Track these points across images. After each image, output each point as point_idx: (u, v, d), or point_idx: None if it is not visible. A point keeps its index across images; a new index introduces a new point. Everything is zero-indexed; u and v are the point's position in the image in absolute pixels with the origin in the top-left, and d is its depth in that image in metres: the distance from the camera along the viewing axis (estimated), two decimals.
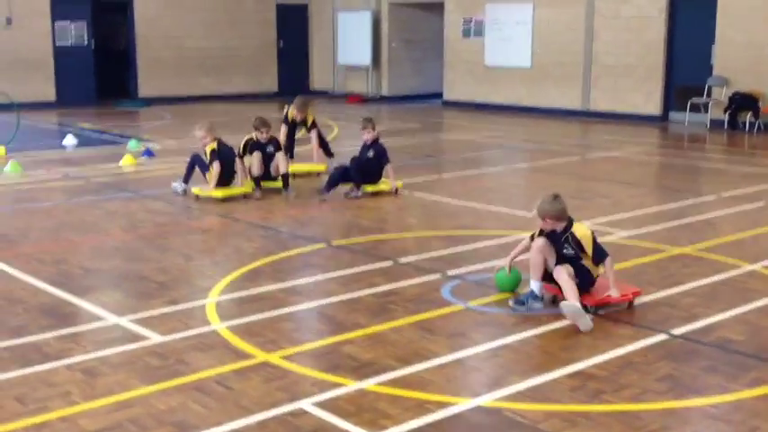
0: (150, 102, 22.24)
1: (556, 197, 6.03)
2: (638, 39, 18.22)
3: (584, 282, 5.78)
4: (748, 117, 16.29)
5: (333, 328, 5.54)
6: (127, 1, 22.51)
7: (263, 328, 5.55)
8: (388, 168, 9.93)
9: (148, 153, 13.18)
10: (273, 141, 10.12)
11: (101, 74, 22.49)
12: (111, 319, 5.72)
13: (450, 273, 6.74)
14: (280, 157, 9.93)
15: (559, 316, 5.64)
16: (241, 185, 9.93)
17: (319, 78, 25.97)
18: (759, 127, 16.28)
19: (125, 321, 5.67)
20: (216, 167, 9.66)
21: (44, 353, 5.10)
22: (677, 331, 5.42)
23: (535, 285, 5.86)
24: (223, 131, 16.86)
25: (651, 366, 4.86)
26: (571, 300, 5.49)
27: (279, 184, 10.00)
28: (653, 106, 18.24)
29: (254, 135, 10.06)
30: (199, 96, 23.42)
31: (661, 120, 18.11)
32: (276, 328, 5.53)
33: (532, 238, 6.12)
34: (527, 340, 5.27)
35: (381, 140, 10.12)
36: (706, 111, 17.23)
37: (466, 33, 21.68)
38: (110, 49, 23.36)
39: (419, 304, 5.99)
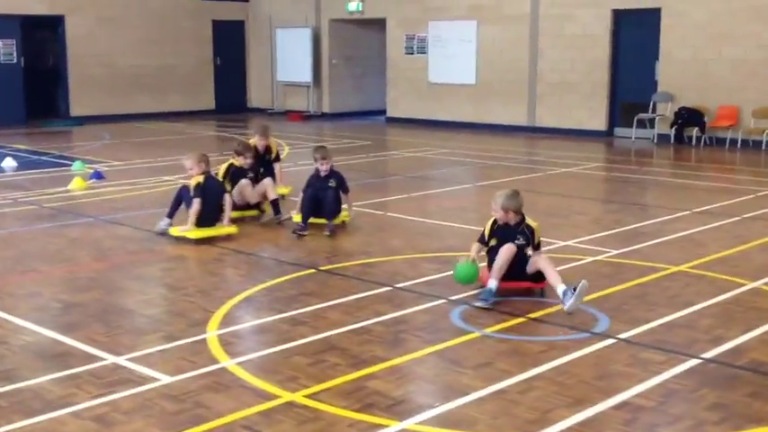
0: (83, 121, 21.50)
1: (516, 193, 6.70)
2: (582, 56, 18.39)
3: (524, 268, 6.52)
4: (695, 132, 16.54)
5: (351, 361, 5.24)
6: (58, 18, 21.75)
7: (277, 363, 5.22)
8: (347, 198, 9.12)
9: (98, 175, 12.62)
10: (254, 167, 9.69)
11: (30, 93, 21.65)
12: (108, 358, 5.30)
13: (453, 297, 6.50)
14: (268, 183, 9.48)
15: (583, 341, 5.47)
16: (226, 224, 8.70)
17: (257, 96, 25.58)
18: (705, 141, 16.56)
19: (124, 361, 5.26)
20: (196, 205, 8.49)
21: (46, 400, 4.67)
22: (707, 355, 5.28)
23: (494, 284, 6.33)
24: (159, 151, 16.49)
25: (695, 394, 4.70)
26: (556, 281, 6.26)
27: (253, 212, 9.56)
28: (598, 122, 18.42)
29: (236, 161, 9.55)
30: (134, 115, 22.78)
31: (606, 135, 18.29)
32: (291, 364, 5.20)
33: (481, 238, 6.76)
34: (559, 369, 5.06)
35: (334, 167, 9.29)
36: (652, 126, 17.46)
37: (409, 50, 21.60)
38: (39, 67, 22.51)
39: (433, 333, 5.74)
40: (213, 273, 7.37)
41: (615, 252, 7.92)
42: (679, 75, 17.01)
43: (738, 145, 16.18)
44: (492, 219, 6.72)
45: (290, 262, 7.69)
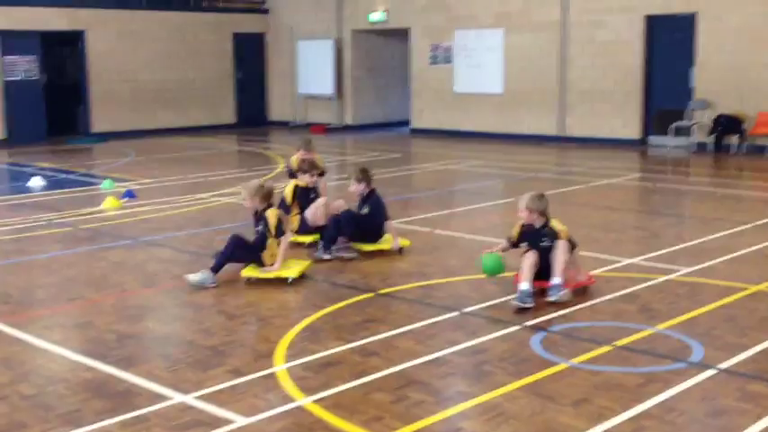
0: (104, 137, 21.24)
1: (541, 195, 6.95)
2: (614, 63, 18.03)
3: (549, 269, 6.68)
4: (735, 140, 16.14)
5: (435, 398, 4.87)
6: (78, 33, 21.52)
7: (357, 401, 4.86)
8: (389, 225, 8.50)
9: (130, 194, 12.30)
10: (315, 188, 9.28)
11: (50, 109, 21.40)
12: (175, 396, 4.96)
13: (529, 323, 6.14)
14: (322, 203, 9.07)
15: (681, 372, 5.11)
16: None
17: (278, 109, 25.29)
18: (745, 149, 16.15)
19: (192, 399, 4.92)
20: (287, 239, 7.56)
21: None
22: None
23: (526, 285, 6.50)
24: (187, 167, 16.18)
25: None
26: (557, 270, 6.57)
27: (308, 238, 8.84)
28: (631, 131, 18.03)
29: (300, 181, 9.12)
30: (155, 130, 22.53)
31: (640, 144, 17.91)
32: (372, 401, 4.85)
33: (509, 239, 7.09)
34: (665, 406, 4.69)
35: (377, 192, 8.62)
36: (688, 134, 17.06)
37: (433, 60, 21.27)
38: (60, 83, 22.27)
39: (516, 364, 5.37)
40: (268, 298, 7.02)
41: (687, 270, 7.53)
42: (716, 81, 16.62)
43: None
44: (520, 222, 7.02)
45: (346, 285, 7.34)
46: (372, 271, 7.84)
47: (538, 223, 6.87)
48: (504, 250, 7.12)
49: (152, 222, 10.41)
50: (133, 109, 22.53)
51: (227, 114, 24.58)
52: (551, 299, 6.53)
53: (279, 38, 24.78)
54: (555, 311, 6.39)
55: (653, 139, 17.90)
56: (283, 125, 24.60)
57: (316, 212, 8.94)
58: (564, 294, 6.55)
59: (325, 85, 23.48)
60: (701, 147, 16.70)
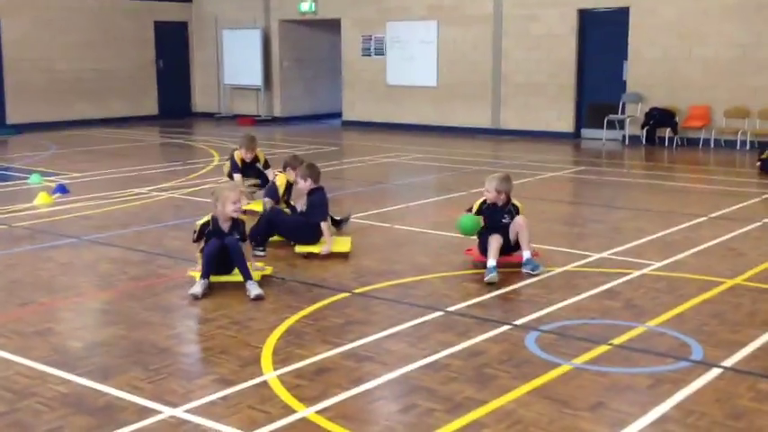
0: (19, 129, 20.28)
1: (509, 178, 7.52)
2: (548, 57, 18.10)
3: (509, 241, 7.31)
4: (667, 132, 16.39)
5: (445, 406, 4.63)
6: None
7: (363, 411, 4.59)
8: (323, 226, 8.01)
9: (62, 189, 11.67)
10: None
11: None
12: (163, 410, 4.59)
13: (518, 322, 5.96)
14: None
15: (687, 372, 5.01)
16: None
17: (202, 100, 24.65)
18: (677, 142, 16.42)
19: (183, 413, 4.56)
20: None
21: None
22: None
23: (493, 263, 7.02)
24: (117, 160, 15.51)
25: None
26: (525, 244, 7.25)
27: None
28: (565, 123, 18.15)
29: (290, 176, 8.96)
30: (73, 121, 21.66)
31: (574, 137, 18.04)
32: (379, 411, 4.59)
33: (470, 209, 7.51)
34: (683, 408, 4.56)
35: (323, 190, 8.29)
36: (622, 127, 17.26)
37: (366, 52, 21.01)
38: None
39: (518, 366, 5.18)
40: (239, 299, 6.66)
41: (659, 264, 7.48)
42: (648, 75, 16.85)
43: (712, 145, 16.08)
44: (482, 198, 7.48)
45: (318, 284, 7.04)
46: (341, 269, 7.55)
47: (500, 202, 7.40)
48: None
49: (93, 219, 9.86)
50: (49, 100, 21.61)
51: (149, 106, 23.82)
52: (532, 271, 7.12)
53: (202, 27, 24.13)
54: (539, 309, 6.23)
55: (586, 132, 18.06)
56: (208, 117, 23.99)
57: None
58: (542, 267, 7.17)
59: (253, 76, 22.96)
60: (634, 140, 16.90)
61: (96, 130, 20.87)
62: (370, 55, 20.99)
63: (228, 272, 6.92)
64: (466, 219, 7.42)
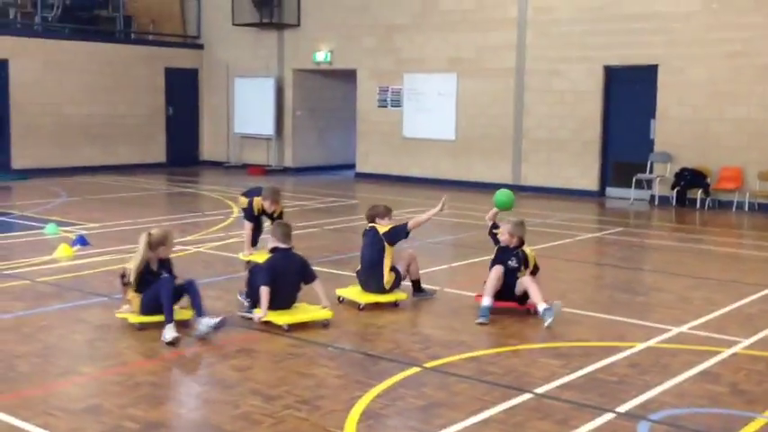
0: (26, 174, 19.71)
1: (522, 223, 7.95)
2: (572, 113, 17.73)
3: (513, 289, 7.64)
4: (699, 194, 15.96)
5: None
6: (1, 62, 20.01)
7: None
8: (314, 286, 7.43)
9: (82, 241, 11.08)
10: None
11: None
12: None
13: (621, 410, 5.38)
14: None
15: None
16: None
17: (210, 148, 24.18)
18: (708, 204, 15.99)
19: None
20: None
21: None
22: None
23: (488, 301, 7.45)
24: (133, 209, 14.96)
25: None
26: (538, 299, 7.40)
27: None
28: (589, 181, 17.73)
29: (383, 225, 8.28)
30: (80, 167, 21.10)
31: (598, 195, 17.60)
32: None
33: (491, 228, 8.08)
34: None
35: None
36: (649, 187, 16.84)
37: (382, 103, 20.62)
38: None
39: None
40: (301, 373, 6.06)
41: (747, 341, 6.94)
42: (677, 134, 16.48)
43: (745, 208, 15.64)
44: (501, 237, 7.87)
45: (383, 356, 6.46)
46: (405, 339, 6.98)
47: (512, 245, 7.79)
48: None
49: (114, 275, 9.24)
50: (57, 144, 21.06)
51: (157, 153, 23.30)
52: (547, 325, 7.25)
53: (213, 74, 23.75)
54: (639, 394, 5.66)
55: (611, 191, 17.63)
56: (216, 165, 23.49)
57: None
58: (553, 317, 7.31)
59: (264, 125, 22.52)
60: (663, 200, 16.47)
61: (103, 176, 20.32)
62: (386, 106, 20.60)
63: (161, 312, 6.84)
64: (500, 194, 8.09)
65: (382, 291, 7.95)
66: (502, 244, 7.85)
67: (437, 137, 19.70)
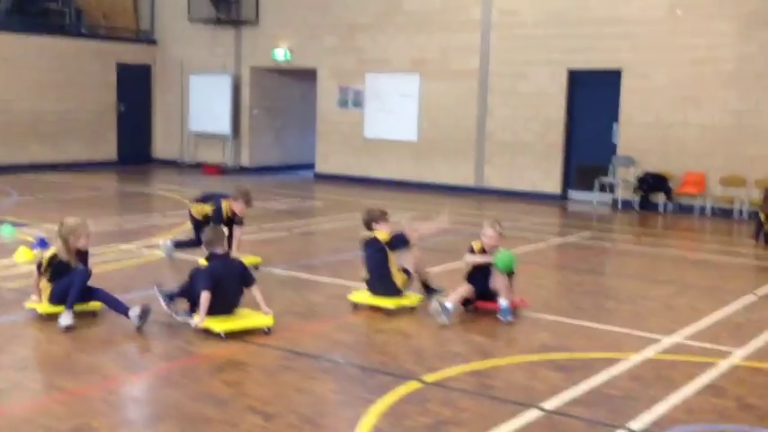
0: None
1: (499, 222, 7.98)
2: (536, 116, 17.69)
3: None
4: (661, 198, 16.02)
5: None
6: None
7: None
8: (253, 290, 7.19)
9: (43, 244, 10.58)
10: None
11: None
12: None
13: (634, 427, 5.23)
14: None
15: None
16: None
17: (163, 147, 23.63)
18: (670, 208, 16.06)
19: None
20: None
21: None
22: None
23: (451, 306, 7.48)
24: (91, 210, 14.43)
25: None
26: (505, 294, 7.60)
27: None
28: (552, 184, 17.70)
29: (381, 232, 8.07)
30: (28, 165, 20.42)
31: (560, 198, 17.59)
32: None
33: (471, 250, 7.86)
34: None
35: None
36: (611, 190, 16.88)
37: (342, 103, 20.35)
38: None
39: None
40: (298, 388, 5.79)
41: (743, 352, 6.86)
42: (640, 138, 16.54)
43: (708, 213, 15.75)
44: (480, 242, 7.84)
45: (379, 370, 6.22)
46: (397, 350, 6.76)
47: (495, 247, 7.79)
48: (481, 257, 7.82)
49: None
50: (4, 141, 20.35)
51: (108, 151, 22.69)
52: (504, 320, 7.50)
53: (167, 71, 23.21)
54: (645, 408, 5.52)
55: (573, 194, 17.63)
56: (168, 164, 22.96)
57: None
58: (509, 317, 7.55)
59: (220, 124, 22.08)
60: (626, 204, 16.51)
61: (53, 174, 19.70)
62: (347, 106, 20.34)
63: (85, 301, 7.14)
64: (504, 256, 7.68)
65: (396, 293, 7.86)
66: (486, 247, 7.79)
67: (399, 138, 19.51)
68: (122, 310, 7.01)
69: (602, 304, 8.48)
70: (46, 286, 7.17)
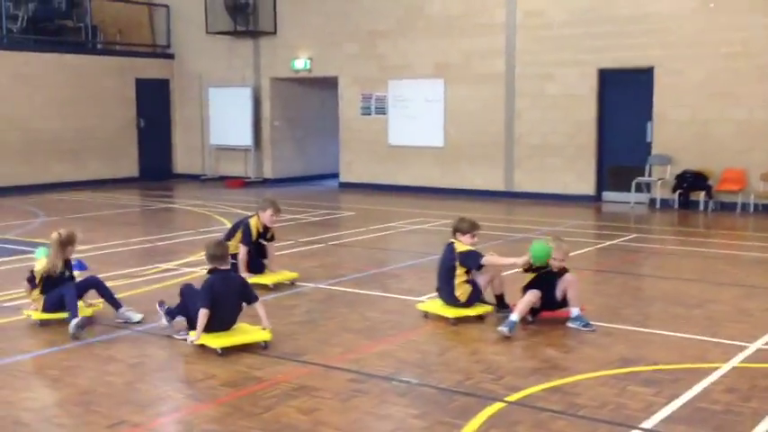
0: None
1: (560, 239, 7.66)
2: (565, 117, 17.36)
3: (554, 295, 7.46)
4: (702, 197, 15.66)
5: None
6: None
7: None
8: (256, 306, 6.99)
9: (81, 266, 10.22)
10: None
11: None
12: None
13: None
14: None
15: None
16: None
17: (184, 161, 23.40)
18: (711, 207, 15.70)
19: None
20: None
21: None
22: None
23: (517, 318, 7.17)
24: (122, 229, 14.19)
25: None
26: (575, 301, 7.40)
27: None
28: (585, 186, 17.37)
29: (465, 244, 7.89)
30: (50, 184, 20.21)
31: (594, 200, 17.25)
32: None
33: (528, 269, 7.53)
34: None
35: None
36: (648, 190, 16.52)
37: (365, 111, 20.06)
38: None
39: None
40: (376, 414, 5.47)
41: None
42: (676, 136, 16.19)
43: (751, 209, 15.38)
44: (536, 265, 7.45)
45: (455, 390, 5.90)
46: (469, 367, 6.43)
47: (557, 268, 7.43)
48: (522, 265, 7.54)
49: (133, 304, 8.55)
50: (26, 161, 20.13)
51: (129, 167, 22.48)
52: (583, 328, 7.25)
53: (185, 85, 22.99)
54: (753, 426, 5.18)
55: (608, 195, 17.28)
56: (191, 179, 22.72)
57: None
58: (593, 325, 7.27)
59: (241, 136, 21.82)
60: (664, 203, 16.16)
61: (75, 192, 19.48)
62: (369, 114, 20.05)
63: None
64: (538, 247, 7.34)
65: (455, 303, 7.61)
66: (553, 269, 7.45)
67: (425, 144, 19.21)
68: (117, 304, 7.74)
69: (670, 310, 8.13)
70: (39, 298, 7.65)
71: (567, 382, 6.05)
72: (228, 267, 7.14)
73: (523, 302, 7.29)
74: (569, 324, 7.36)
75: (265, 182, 21.64)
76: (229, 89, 21.83)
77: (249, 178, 21.71)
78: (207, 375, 6.27)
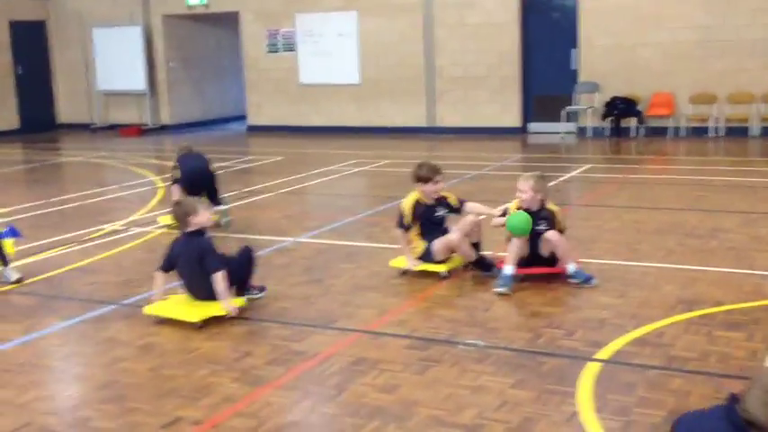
0: None
1: (543, 176, 6.76)
2: (488, 47, 16.82)
3: (538, 251, 6.56)
4: (634, 123, 15.53)
5: None
6: None
7: None
8: (212, 280, 5.95)
9: (14, 232, 9.02)
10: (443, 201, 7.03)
11: None
12: None
13: None
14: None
15: None
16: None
17: (69, 109, 21.61)
18: (642, 132, 15.62)
19: None
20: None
21: None
22: None
23: (511, 270, 6.37)
24: (31, 187, 12.75)
25: None
26: (567, 258, 6.47)
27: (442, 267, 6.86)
28: (511, 118, 16.98)
29: (421, 194, 6.93)
30: None
31: (521, 131, 16.90)
32: None
33: (504, 213, 6.66)
34: None
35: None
36: (575, 119, 16.27)
37: (272, 48, 18.91)
38: None
39: None
40: (468, 387, 4.78)
41: None
42: (602, 63, 15.94)
43: (683, 133, 15.38)
44: (516, 201, 6.63)
45: (535, 351, 5.29)
46: (528, 323, 5.83)
47: (535, 206, 6.55)
48: (498, 215, 6.77)
49: (98, 273, 7.52)
50: None
51: (10, 118, 20.53)
52: (586, 283, 6.42)
53: (65, 26, 21.09)
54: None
55: (534, 126, 16.96)
56: (78, 128, 21.01)
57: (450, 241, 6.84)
58: (595, 280, 6.47)
59: (134, 80, 20.25)
60: (596, 132, 15.96)
61: None
62: (276, 51, 18.91)
63: None
64: (514, 218, 6.42)
65: (422, 260, 6.95)
66: (523, 206, 6.52)
67: (339, 81, 18.29)
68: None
69: (689, 243, 7.76)
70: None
71: (647, 332, 5.54)
72: (192, 230, 6.05)
73: (511, 252, 6.42)
74: (570, 280, 6.49)
75: (163, 128, 20.24)
76: (116, 29, 20.13)
77: (146, 125, 20.22)
78: (240, 353, 5.42)
